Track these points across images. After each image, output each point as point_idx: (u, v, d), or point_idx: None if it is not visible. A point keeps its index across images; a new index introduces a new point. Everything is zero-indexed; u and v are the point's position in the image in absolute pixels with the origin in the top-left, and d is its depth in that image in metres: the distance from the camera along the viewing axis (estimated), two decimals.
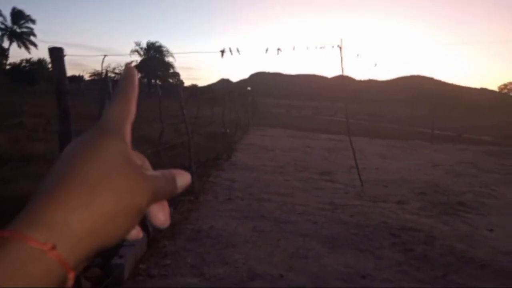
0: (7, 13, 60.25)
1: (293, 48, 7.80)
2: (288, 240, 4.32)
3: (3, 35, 59.13)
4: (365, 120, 28.50)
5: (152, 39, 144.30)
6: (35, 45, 62.80)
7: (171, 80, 66.68)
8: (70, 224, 0.28)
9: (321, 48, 7.39)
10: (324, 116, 34.04)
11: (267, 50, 7.47)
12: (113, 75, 60.30)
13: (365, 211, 5.47)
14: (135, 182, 0.32)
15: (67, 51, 2.56)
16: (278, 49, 7.48)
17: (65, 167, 0.31)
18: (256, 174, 7.68)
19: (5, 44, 58.83)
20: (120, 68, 61.99)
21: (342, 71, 7.41)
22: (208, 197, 5.87)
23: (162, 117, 8.43)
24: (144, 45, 68.27)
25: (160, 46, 69.09)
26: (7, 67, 50.08)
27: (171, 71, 69.76)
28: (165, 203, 0.36)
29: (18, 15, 60.80)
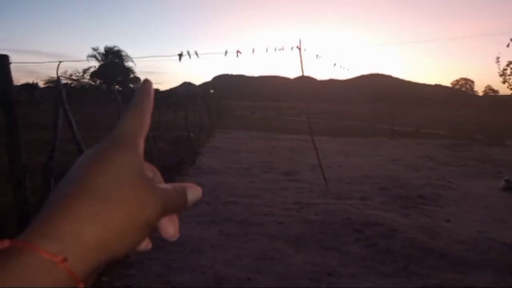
0: None
1: (253, 51, 7.85)
2: (255, 242, 4.32)
3: None
4: (327, 119, 29.02)
5: (110, 44, 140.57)
6: None
7: (132, 86, 65.16)
8: (81, 236, 0.28)
9: (280, 49, 7.47)
10: (288, 116, 34.38)
11: (226, 52, 7.47)
12: (69, 81, 58.13)
13: (329, 209, 5.57)
14: (146, 196, 0.32)
15: (17, 58, 2.45)
16: (238, 51, 7.49)
17: (77, 178, 0.31)
18: (222, 178, 7.64)
19: None
20: (77, 74, 60.04)
21: (302, 71, 7.51)
22: None
23: None
24: (102, 50, 66.55)
25: (119, 51, 67.56)
26: None
27: (132, 76, 68.30)
28: (175, 216, 0.37)
29: None
